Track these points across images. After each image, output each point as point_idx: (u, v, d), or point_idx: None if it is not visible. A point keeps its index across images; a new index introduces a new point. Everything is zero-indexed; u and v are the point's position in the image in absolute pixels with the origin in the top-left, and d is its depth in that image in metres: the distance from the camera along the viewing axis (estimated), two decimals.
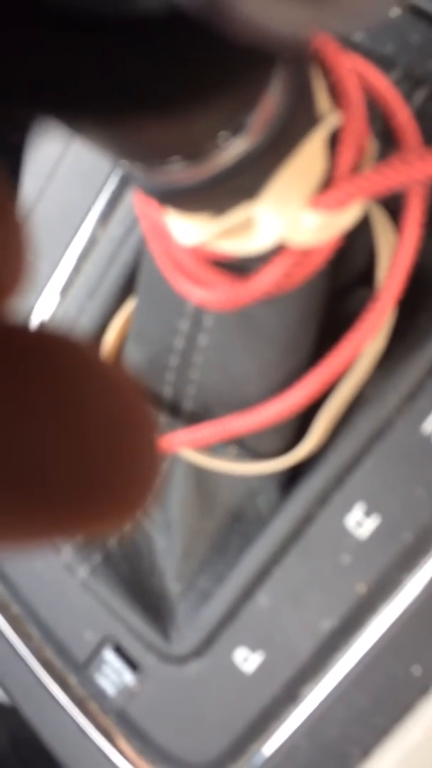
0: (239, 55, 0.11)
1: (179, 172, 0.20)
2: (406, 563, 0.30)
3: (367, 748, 0.32)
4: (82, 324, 0.38)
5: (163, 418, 0.33)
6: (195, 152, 0.19)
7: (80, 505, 0.09)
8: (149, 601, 0.37)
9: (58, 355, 0.10)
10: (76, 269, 0.39)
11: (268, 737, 0.34)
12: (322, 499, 0.32)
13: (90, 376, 0.10)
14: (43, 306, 0.40)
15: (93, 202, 0.38)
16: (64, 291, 0.39)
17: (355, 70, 0.24)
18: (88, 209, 0.38)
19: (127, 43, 0.10)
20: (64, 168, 0.39)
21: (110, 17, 0.09)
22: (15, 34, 0.11)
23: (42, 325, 0.10)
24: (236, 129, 0.19)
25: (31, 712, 0.42)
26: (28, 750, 0.45)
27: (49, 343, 0.10)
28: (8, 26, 0.10)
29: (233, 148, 0.20)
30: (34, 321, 0.40)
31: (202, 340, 0.30)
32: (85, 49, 0.10)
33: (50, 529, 0.09)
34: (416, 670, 0.30)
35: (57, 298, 0.40)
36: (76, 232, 0.39)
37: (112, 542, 0.38)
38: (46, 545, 0.10)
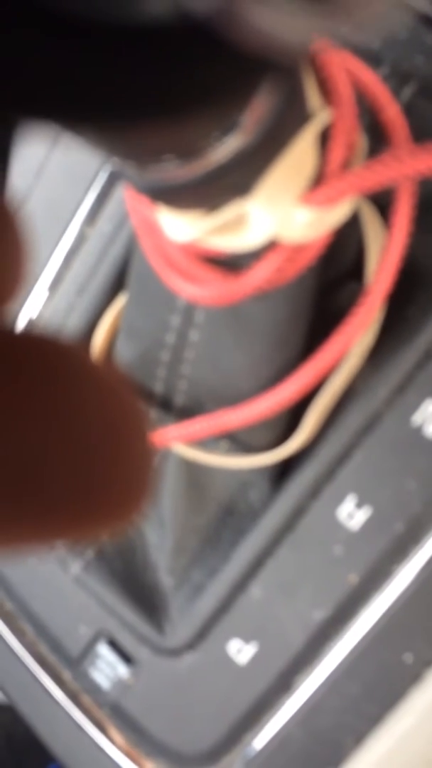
0: (240, 61, 0.11)
1: (172, 170, 0.20)
2: (398, 554, 0.31)
3: (360, 737, 0.32)
4: (72, 321, 0.38)
5: (154, 414, 0.33)
6: (188, 151, 0.19)
7: (76, 507, 0.09)
8: (143, 595, 0.37)
9: (48, 358, 0.10)
10: (66, 266, 0.39)
11: (262, 727, 0.34)
12: (314, 492, 0.32)
13: (81, 377, 0.10)
14: (33, 304, 0.40)
15: (82, 199, 0.38)
16: (54, 288, 0.39)
17: (344, 67, 0.24)
18: (77, 206, 0.38)
19: (131, 49, 0.10)
20: (53, 165, 0.39)
21: (116, 24, 0.09)
22: (16, 38, 0.11)
23: (31, 327, 0.10)
24: (229, 127, 0.19)
25: (26, 708, 0.42)
26: (22, 746, 0.46)
27: (38, 346, 0.10)
28: (10, 28, 0.10)
29: (226, 146, 0.20)
30: (24, 319, 0.39)
31: (194, 335, 0.31)
32: (87, 55, 0.10)
33: (46, 533, 0.09)
34: (408, 658, 0.31)
35: (46, 296, 0.39)
36: (65, 229, 0.39)
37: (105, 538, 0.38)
38: (42, 549, 0.10)
